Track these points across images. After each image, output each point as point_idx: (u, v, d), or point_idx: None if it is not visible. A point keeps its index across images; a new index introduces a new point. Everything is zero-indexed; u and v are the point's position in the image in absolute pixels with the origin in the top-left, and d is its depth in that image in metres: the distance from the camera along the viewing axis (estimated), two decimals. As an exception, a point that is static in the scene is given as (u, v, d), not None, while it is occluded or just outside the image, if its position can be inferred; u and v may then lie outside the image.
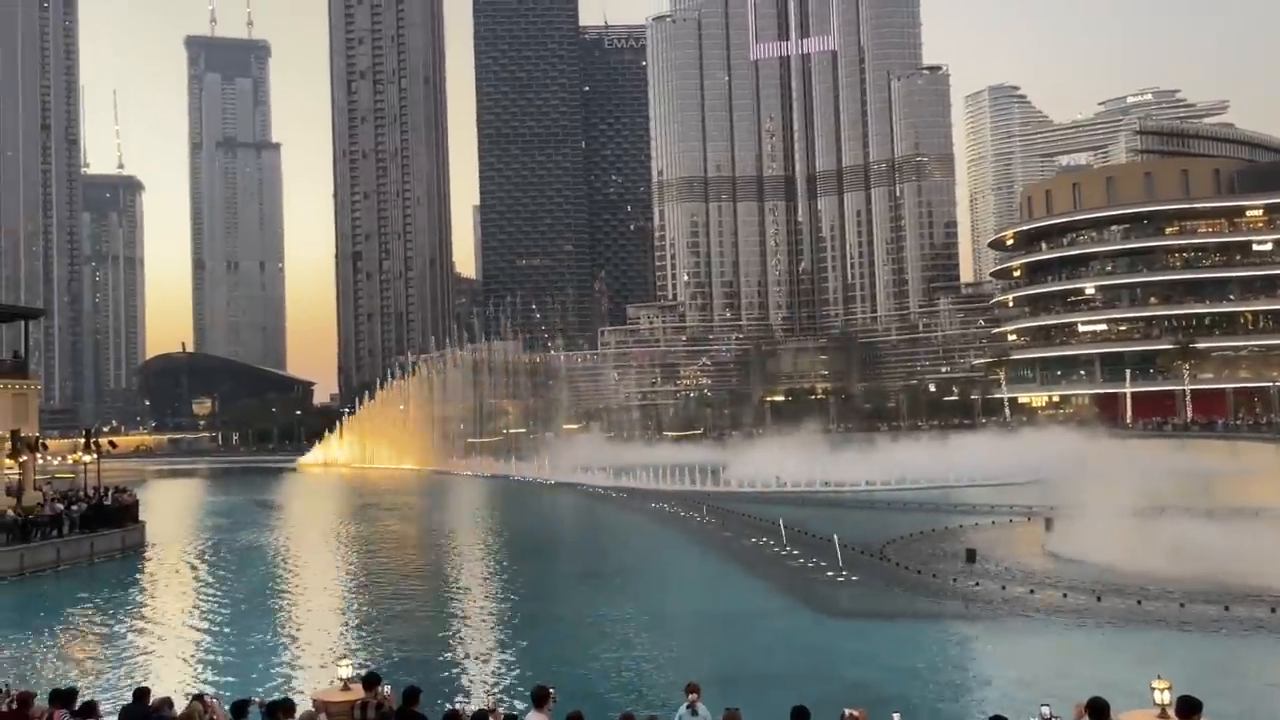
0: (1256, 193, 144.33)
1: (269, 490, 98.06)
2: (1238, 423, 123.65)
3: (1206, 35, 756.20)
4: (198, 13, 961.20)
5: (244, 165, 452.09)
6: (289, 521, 68.91)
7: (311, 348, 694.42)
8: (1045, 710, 11.64)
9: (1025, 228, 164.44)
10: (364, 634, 29.85)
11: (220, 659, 26.88)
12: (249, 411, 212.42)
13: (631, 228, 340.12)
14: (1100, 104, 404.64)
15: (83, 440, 60.85)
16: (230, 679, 24.07)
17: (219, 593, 38.13)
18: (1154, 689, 11.22)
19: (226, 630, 30.69)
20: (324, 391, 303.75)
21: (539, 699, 11.96)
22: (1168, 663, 20.70)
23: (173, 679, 23.96)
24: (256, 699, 13.47)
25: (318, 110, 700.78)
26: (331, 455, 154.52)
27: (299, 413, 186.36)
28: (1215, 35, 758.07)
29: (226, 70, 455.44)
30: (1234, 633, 25.18)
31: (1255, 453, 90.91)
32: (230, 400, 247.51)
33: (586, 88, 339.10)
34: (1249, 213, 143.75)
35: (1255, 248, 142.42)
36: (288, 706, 12.29)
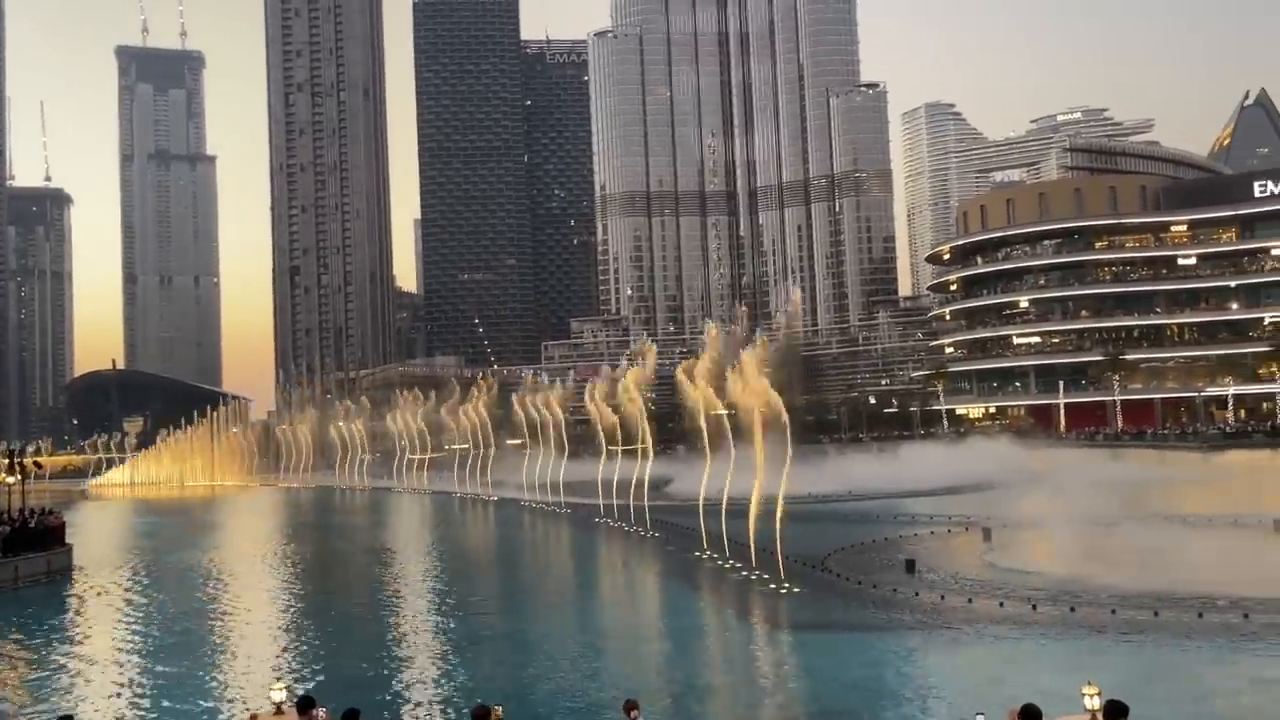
0: (1180, 209, 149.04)
1: (203, 511, 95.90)
2: (1165, 432, 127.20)
3: (1133, 56, 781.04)
4: (129, 23, 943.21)
5: (177, 178, 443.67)
6: (222, 541, 67.41)
7: (248, 364, 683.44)
8: (980, 719, 11.78)
9: (961, 242, 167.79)
10: (299, 655, 29.25)
11: (149, 684, 26.13)
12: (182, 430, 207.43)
13: (574, 242, 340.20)
14: (1032, 122, 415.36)
15: (6, 461, 58.87)
16: (159, 705, 23.42)
17: (148, 616, 37.12)
18: (1084, 694, 11.43)
19: (156, 655, 29.86)
20: (261, 408, 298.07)
21: (479, 718, 11.81)
22: (1099, 668, 21.11)
23: (99, 706, 23.24)
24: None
25: (254, 122, 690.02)
26: (147, 474, 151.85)
27: (234, 430, 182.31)
28: (1142, 56, 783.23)
29: (159, 81, 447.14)
30: (1163, 637, 25.79)
31: (1182, 461, 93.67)
32: (163, 418, 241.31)
33: (528, 102, 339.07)
34: (1173, 228, 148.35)
35: (1180, 262, 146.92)
36: None
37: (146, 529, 78.03)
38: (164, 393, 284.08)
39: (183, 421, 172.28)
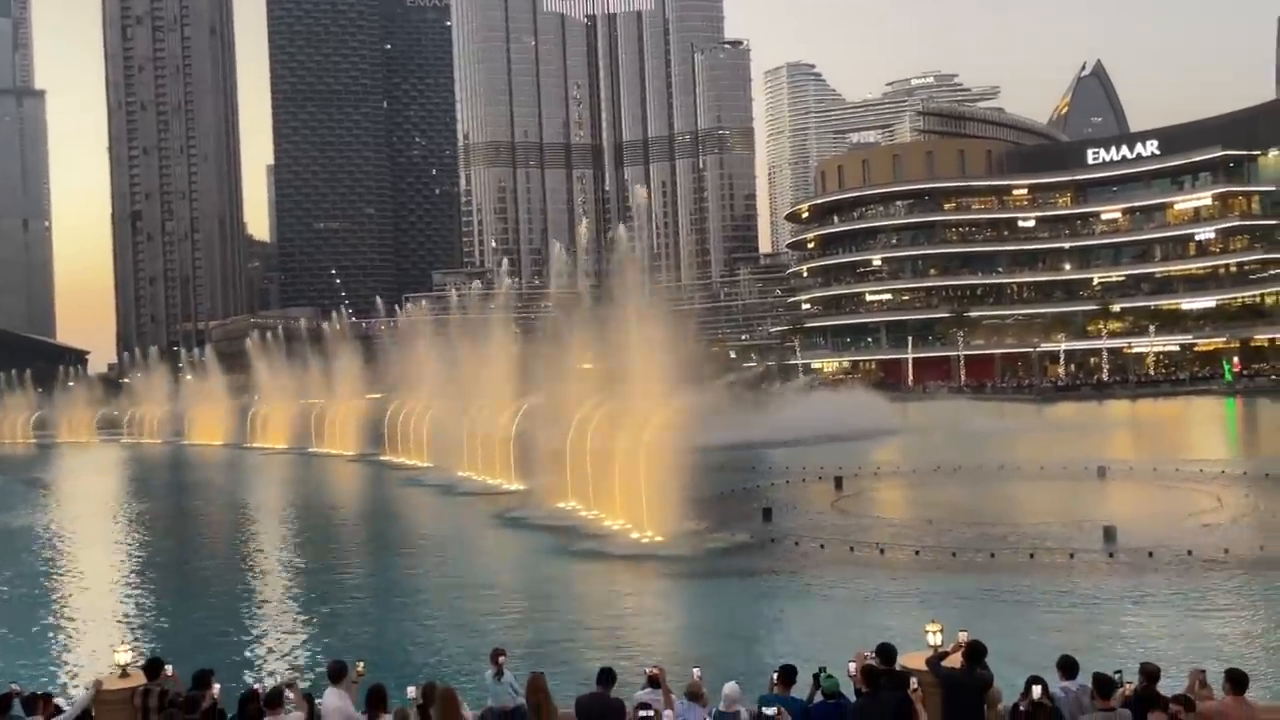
0: (1021, 174, 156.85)
1: (40, 468, 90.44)
2: (1003, 385, 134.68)
3: (982, 24, 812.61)
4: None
5: (2, 114, 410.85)
6: (62, 501, 63.85)
7: (86, 314, 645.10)
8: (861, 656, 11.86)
9: (819, 201, 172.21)
10: (148, 616, 28.16)
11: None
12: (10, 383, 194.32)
13: (436, 191, 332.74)
14: (888, 85, 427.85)
15: None
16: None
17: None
18: (927, 631, 12.07)
19: (-12, 621, 28.18)
20: (101, 360, 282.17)
21: (335, 674, 11.66)
22: (942, 608, 22.40)
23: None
24: (15, 686, 12.52)
25: (89, 56, 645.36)
26: None
27: (70, 384, 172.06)
28: (989, 24, 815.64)
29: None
30: (999, 577, 27.50)
31: (1019, 412, 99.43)
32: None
33: (388, 45, 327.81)
34: (1015, 192, 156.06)
35: (1021, 224, 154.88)
36: (48, 697, 11.67)
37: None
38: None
39: (12, 374, 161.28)
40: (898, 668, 11.43)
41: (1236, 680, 10.21)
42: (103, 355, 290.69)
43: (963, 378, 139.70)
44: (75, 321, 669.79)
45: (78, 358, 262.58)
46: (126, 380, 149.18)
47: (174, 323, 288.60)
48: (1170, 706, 9.99)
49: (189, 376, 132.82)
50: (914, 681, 10.70)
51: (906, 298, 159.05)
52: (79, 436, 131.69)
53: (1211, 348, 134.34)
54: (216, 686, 12.06)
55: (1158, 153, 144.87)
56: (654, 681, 11.72)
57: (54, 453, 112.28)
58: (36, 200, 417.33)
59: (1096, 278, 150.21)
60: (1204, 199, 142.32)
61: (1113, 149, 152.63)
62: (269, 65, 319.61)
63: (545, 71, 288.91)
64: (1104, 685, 10.20)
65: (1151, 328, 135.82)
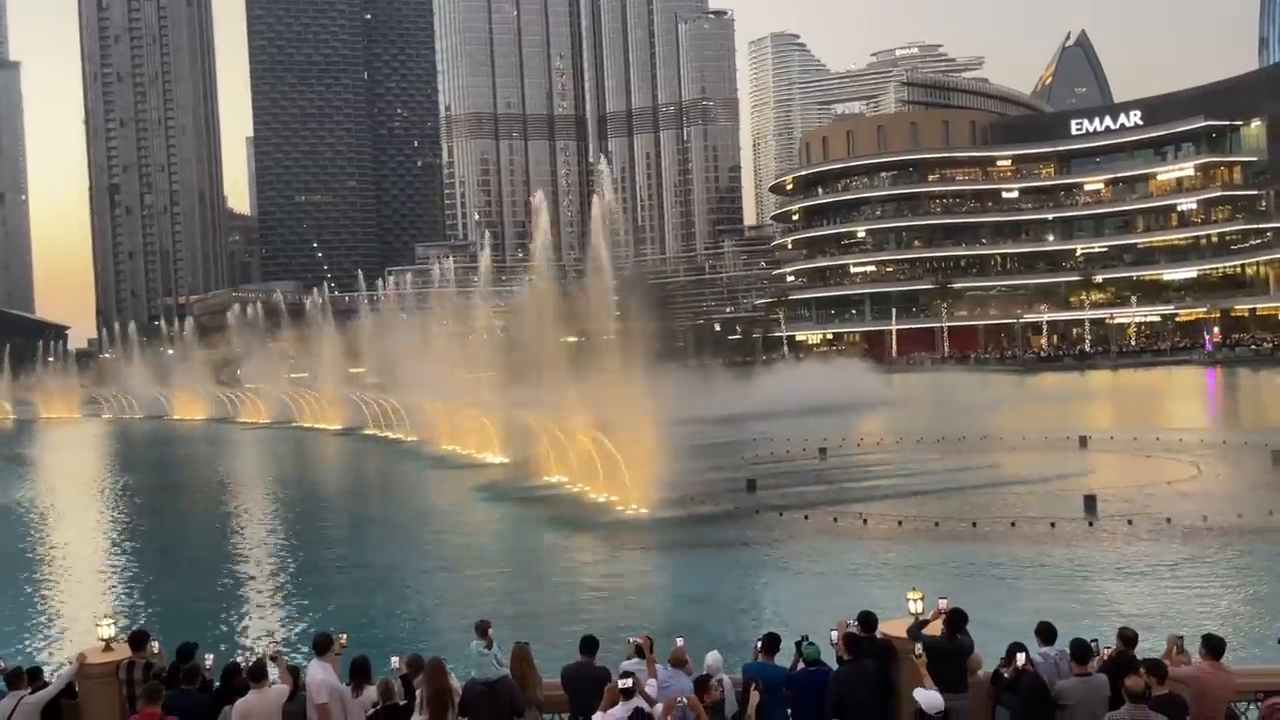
0: (1005, 145, 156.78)
1: (21, 444, 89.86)
2: (986, 356, 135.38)
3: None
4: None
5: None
6: (44, 476, 63.50)
7: (66, 289, 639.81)
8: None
9: (803, 173, 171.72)
10: (132, 590, 28.12)
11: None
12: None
13: (419, 164, 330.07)
14: (872, 55, 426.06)
15: None
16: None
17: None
18: (909, 599, 12.15)
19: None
20: (81, 336, 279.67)
21: (320, 646, 11.65)
22: (923, 577, 22.59)
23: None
24: (-1, 664, 12.45)
25: (64, 26, 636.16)
26: None
27: (50, 359, 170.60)
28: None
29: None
30: (980, 546, 27.73)
31: (1002, 383, 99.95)
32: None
33: (368, 15, 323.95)
34: (999, 163, 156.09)
35: (1004, 195, 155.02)
36: (34, 673, 11.59)
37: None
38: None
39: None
40: (879, 635, 11.53)
41: (1213, 646, 10.34)
42: (83, 330, 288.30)
43: (946, 349, 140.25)
44: (54, 296, 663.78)
45: (57, 333, 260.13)
46: (107, 356, 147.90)
47: (154, 297, 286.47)
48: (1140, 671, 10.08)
49: (171, 352, 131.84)
50: (918, 648, 10.81)
51: (890, 269, 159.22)
52: (60, 412, 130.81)
53: (1193, 318, 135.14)
54: (210, 658, 12.04)
55: (1141, 123, 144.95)
56: (639, 651, 11.77)
57: (35, 428, 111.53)
58: (13, 173, 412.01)
59: (1079, 249, 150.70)
60: (1186, 170, 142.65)
61: (1096, 120, 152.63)
62: (247, 36, 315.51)
63: (528, 42, 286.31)
64: (1081, 651, 10.34)
65: (1133, 298, 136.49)
